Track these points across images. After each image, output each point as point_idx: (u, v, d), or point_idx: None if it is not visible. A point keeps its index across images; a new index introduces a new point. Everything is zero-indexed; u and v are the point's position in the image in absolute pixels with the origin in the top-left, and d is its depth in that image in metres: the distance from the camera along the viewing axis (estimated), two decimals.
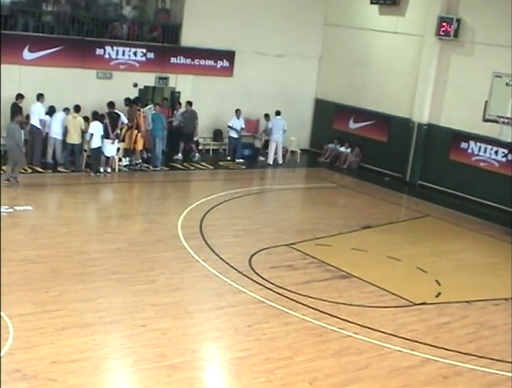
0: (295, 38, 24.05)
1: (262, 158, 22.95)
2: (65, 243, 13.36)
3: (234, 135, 22.20)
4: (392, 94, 22.70)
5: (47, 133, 18.80)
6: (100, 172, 18.59)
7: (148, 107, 20.64)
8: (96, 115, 18.94)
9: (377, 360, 9.82)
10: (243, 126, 22.29)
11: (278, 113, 22.56)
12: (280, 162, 22.81)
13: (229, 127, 22.22)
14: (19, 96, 18.63)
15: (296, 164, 23.39)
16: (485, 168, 20.20)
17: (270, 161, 22.64)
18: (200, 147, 22.50)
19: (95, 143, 18.37)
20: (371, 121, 23.40)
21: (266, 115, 22.82)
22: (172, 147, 21.51)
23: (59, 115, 18.81)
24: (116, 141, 19.03)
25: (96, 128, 18.35)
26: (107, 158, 18.95)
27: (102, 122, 18.64)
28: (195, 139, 21.97)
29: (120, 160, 19.58)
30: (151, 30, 22.11)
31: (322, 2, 24.51)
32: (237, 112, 22.07)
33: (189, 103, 21.46)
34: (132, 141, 19.90)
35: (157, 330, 10.03)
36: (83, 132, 18.67)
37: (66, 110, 18.83)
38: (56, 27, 20.18)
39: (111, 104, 19.24)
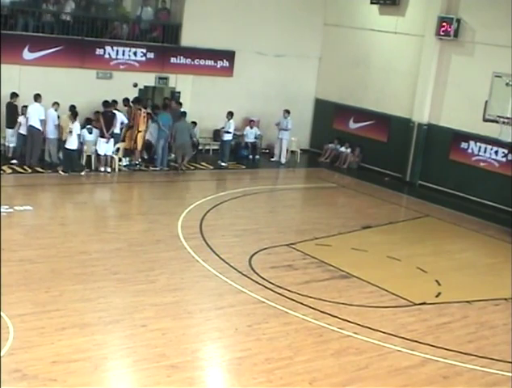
0: (295, 38, 24.04)
1: (256, 157, 22.94)
2: (65, 243, 13.36)
3: (226, 138, 21.71)
4: (392, 94, 22.70)
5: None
6: (68, 172, 18.31)
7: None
8: (90, 121, 19.08)
9: (377, 360, 9.82)
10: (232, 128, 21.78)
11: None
12: (284, 161, 22.94)
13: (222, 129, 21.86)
14: (14, 95, 18.63)
15: (296, 164, 23.39)
16: (485, 168, 20.19)
17: (280, 159, 22.93)
18: (200, 147, 22.49)
19: (73, 144, 18.19)
20: (371, 121, 23.39)
21: (287, 111, 22.68)
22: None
23: (50, 114, 18.66)
24: (112, 139, 18.99)
25: (78, 128, 18.26)
26: (99, 156, 18.88)
27: (92, 125, 18.85)
28: (194, 139, 21.98)
29: (120, 160, 19.57)
30: (151, 30, 22.11)
31: (322, 2, 24.51)
32: (229, 115, 21.51)
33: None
34: (132, 141, 19.91)
35: (157, 330, 10.03)
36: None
37: (56, 104, 18.73)
38: (56, 27, 20.18)
39: (105, 103, 19.25)
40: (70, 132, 18.17)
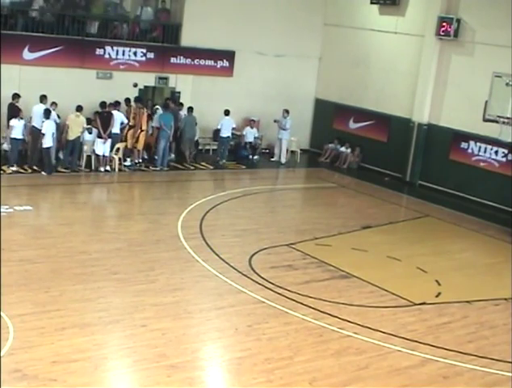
0: (295, 38, 24.05)
1: (255, 157, 22.92)
2: (65, 243, 13.35)
3: (224, 135, 21.77)
4: (392, 94, 22.71)
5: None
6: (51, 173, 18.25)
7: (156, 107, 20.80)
8: (90, 121, 19.05)
9: (377, 360, 9.82)
10: (234, 126, 21.92)
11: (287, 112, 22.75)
12: (284, 161, 22.92)
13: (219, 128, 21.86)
14: (16, 96, 18.52)
15: (296, 164, 23.39)
16: (485, 168, 20.20)
17: (280, 159, 22.97)
18: (200, 147, 22.50)
19: (47, 143, 17.97)
20: (371, 121, 23.40)
21: (286, 111, 22.67)
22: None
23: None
24: (109, 140, 18.96)
25: (48, 127, 17.96)
26: (98, 156, 18.89)
27: (92, 125, 18.82)
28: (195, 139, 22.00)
29: (120, 160, 19.55)
30: (151, 30, 22.11)
31: (322, 2, 24.51)
32: (226, 112, 21.64)
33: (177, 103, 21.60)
34: (134, 140, 19.89)
35: (157, 330, 10.04)
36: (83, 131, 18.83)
37: (54, 104, 18.59)
38: (56, 27, 20.16)
39: (102, 104, 19.24)
40: (42, 133, 17.94)
